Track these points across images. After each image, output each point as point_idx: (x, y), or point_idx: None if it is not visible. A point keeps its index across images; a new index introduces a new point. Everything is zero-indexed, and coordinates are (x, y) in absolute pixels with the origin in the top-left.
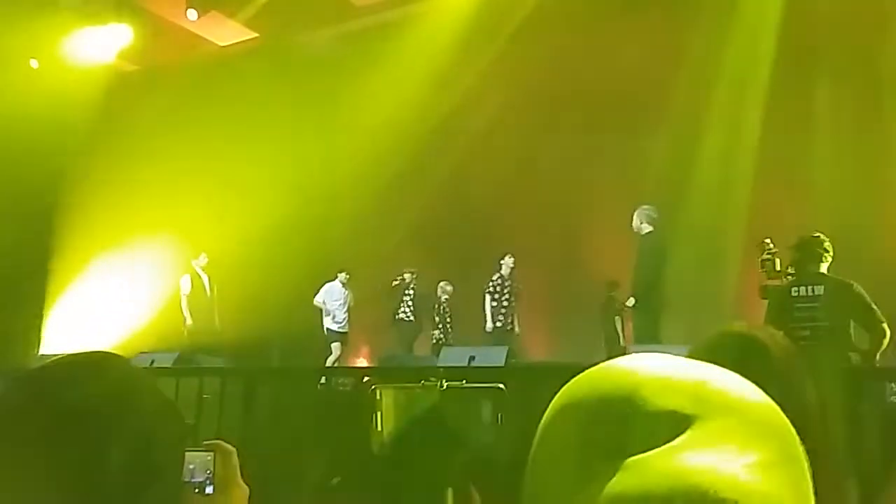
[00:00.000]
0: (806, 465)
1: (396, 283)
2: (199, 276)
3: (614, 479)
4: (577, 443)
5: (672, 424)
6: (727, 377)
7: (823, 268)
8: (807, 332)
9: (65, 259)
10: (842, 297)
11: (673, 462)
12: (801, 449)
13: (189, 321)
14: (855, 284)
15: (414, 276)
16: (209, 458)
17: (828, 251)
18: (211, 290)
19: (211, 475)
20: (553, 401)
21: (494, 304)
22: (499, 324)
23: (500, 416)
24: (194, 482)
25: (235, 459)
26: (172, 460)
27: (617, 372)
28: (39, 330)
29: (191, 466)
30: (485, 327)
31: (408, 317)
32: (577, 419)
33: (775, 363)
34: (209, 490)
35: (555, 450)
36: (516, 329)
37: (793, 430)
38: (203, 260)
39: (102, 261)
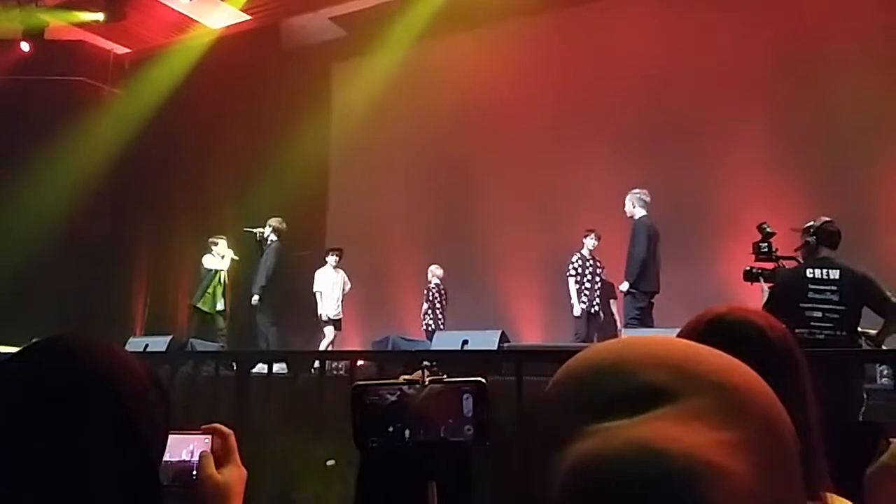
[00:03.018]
0: (794, 450)
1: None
2: (216, 258)
3: (579, 442)
4: (564, 409)
5: (652, 398)
6: (717, 357)
7: (834, 253)
8: (818, 314)
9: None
10: (859, 283)
11: (640, 430)
12: (788, 434)
13: (197, 301)
14: (869, 272)
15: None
16: (207, 440)
17: (839, 237)
18: (226, 273)
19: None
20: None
21: (577, 286)
22: (583, 306)
23: (482, 409)
24: (191, 463)
25: (233, 441)
26: (154, 439)
27: (610, 346)
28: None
29: (190, 446)
30: (572, 312)
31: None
32: (567, 387)
33: (772, 348)
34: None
35: (548, 416)
36: (601, 313)
37: (782, 414)
38: (221, 243)
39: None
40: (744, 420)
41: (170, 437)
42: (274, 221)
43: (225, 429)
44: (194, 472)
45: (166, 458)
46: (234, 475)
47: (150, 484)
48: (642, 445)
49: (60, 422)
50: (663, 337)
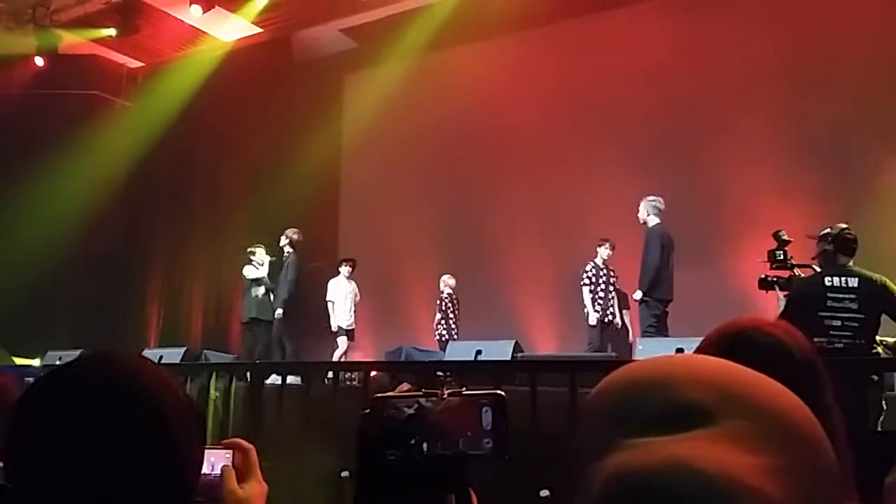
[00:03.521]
0: (833, 477)
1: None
2: (255, 268)
3: (618, 454)
4: (604, 420)
5: (693, 417)
6: (761, 381)
7: (852, 261)
8: (838, 323)
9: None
10: (878, 291)
11: (680, 448)
12: (828, 461)
13: (247, 313)
14: (888, 280)
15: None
16: (228, 454)
17: (857, 244)
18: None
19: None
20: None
21: (591, 295)
22: (597, 315)
23: (501, 422)
24: (211, 476)
25: (254, 456)
26: (189, 452)
27: (655, 361)
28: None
29: (212, 459)
30: (587, 321)
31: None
32: (609, 399)
33: (797, 365)
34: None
35: (587, 425)
36: (617, 322)
37: (823, 441)
38: (259, 252)
39: None
40: (783, 446)
41: None
42: (292, 233)
43: (246, 443)
44: (215, 487)
45: None
46: (256, 490)
47: (181, 493)
48: (682, 463)
49: (100, 431)
50: (709, 357)
